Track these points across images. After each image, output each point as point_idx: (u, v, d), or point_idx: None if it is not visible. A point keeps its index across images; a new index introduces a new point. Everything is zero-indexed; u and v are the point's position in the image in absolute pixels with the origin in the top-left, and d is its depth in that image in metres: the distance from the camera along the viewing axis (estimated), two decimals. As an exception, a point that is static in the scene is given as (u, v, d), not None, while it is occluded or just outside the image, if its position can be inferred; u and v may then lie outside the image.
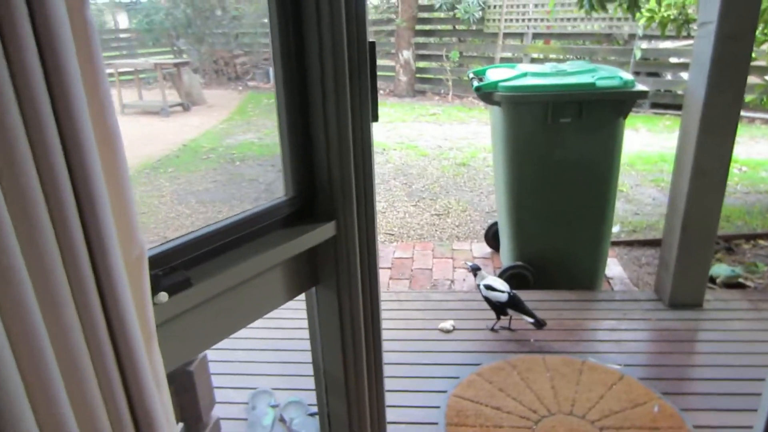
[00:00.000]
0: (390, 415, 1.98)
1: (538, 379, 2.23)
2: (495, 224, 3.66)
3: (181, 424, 1.95)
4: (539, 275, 3.02)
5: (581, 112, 2.72)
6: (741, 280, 3.26)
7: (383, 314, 2.82)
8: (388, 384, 2.26)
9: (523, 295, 2.85)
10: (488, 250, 3.74)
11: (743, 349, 2.37)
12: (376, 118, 1.32)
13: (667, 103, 8.00)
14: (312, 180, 1.36)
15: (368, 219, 1.41)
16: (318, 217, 1.37)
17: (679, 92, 7.97)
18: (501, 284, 2.55)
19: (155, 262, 1.05)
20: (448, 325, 2.63)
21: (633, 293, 2.87)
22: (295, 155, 1.32)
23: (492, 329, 2.60)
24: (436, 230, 4.19)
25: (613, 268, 3.41)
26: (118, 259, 0.79)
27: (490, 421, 2.01)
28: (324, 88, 1.25)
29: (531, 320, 2.45)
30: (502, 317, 2.59)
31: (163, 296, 0.98)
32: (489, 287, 2.55)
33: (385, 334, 2.64)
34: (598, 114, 2.73)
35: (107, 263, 0.77)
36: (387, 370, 2.35)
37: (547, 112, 2.73)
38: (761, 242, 3.74)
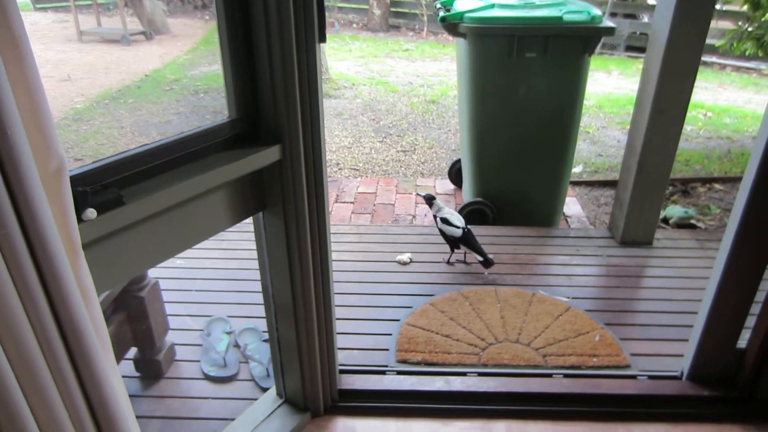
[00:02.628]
0: (342, 341, 2.04)
1: (489, 309, 2.30)
2: (459, 161, 3.66)
3: (134, 349, 1.97)
4: (499, 212, 3.06)
5: (547, 47, 2.68)
6: (693, 221, 3.37)
7: (343, 246, 2.85)
8: (342, 312, 2.32)
9: (481, 231, 2.91)
10: (451, 186, 3.76)
11: (685, 285, 2.47)
12: (323, 39, 1.27)
13: (642, 47, 7.95)
14: (256, 102, 1.32)
15: (315, 143, 1.39)
16: (262, 141, 1.34)
17: (654, 35, 7.91)
18: (457, 219, 2.58)
19: (86, 179, 1.03)
20: (405, 257, 2.67)
21: (588, 231, 2.94)
22: (238, 75, 1.28)
23: (448, 262, 2.66)
24: (401, 167, 4.18)
25: (572, 207, 3.48)
26: (33, 171, 0.76)
27: (439, 347, 2.09)
28: (266, 5, 1.20)
29: (480, 258, 2.50)
30: (456, 250, 2.64)
31: (91, 212, 0.96)
32: (445, 221, 2.59)
33: (343, 266, 2.68)
34: (563, 49, 2.69)
35: (20, 174, 0.74)
36: (343, 300, 2.40)
37: (512, 46, 2.69)
38: (717, 186, 3.85)
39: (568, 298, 2.39)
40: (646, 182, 2.63)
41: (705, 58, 7.64)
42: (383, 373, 1.95)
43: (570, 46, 2.69)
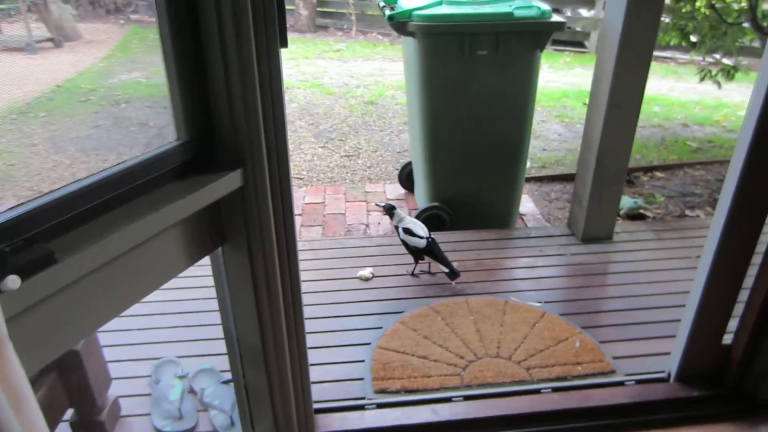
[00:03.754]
0: (312, 374, 1.85)
1: (463, 323, 2.18)
2: (408, 164, 3.53)
3: (71, 410, 1.69)
4: (456, 216, 2.96)
5: (498, 44, 2.59)
6: (642, 211, 3.40)
7: (301, 266, 2.65)
8: (309, 341, 2.12)
9: (440, 237, 2.78)
10: (402, 191, 3.63)
11: (651, 278, 2.46)
12: (284, 43, 1.08)
13: (566, 40, 8.16)
14: (210, 120, 1.11)
15: (281, 164, 1.20)
16: (220, 166, 1.13)
17: (578, 29, 8.14)
18: (420, 229, 2.45)
19: (2, 234, 0.80)
20: (366, 272, 2.50)
21: (547, 229, 2.89)
22: (187, 89, 1.07)
23: (412, 274, 2.52)
24: (347, 172, 4.01)
25: (525, 204, 3.43)
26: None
27: (417, 371, 1.94)
28: (219, 3, 1.00)
29: (446, 270, 2.39)
30: (419, 261, 2.50)
31: (13, 281, 0.73)
32: (408, 231, 2.44)
33: (302, 287, 2.48)
34: (515, 46, 2.61)
35: None
36: (307, 326, 2.21)
37: (463, 44, 2.58)
38: (658, 174, 3.93)
39: (540, 303, 2.31)
40: (605, 177, 2.60)
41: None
42: (362, 408, 1.77)
43: (521, 43, 2.61)
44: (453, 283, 2.44)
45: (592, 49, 7.83)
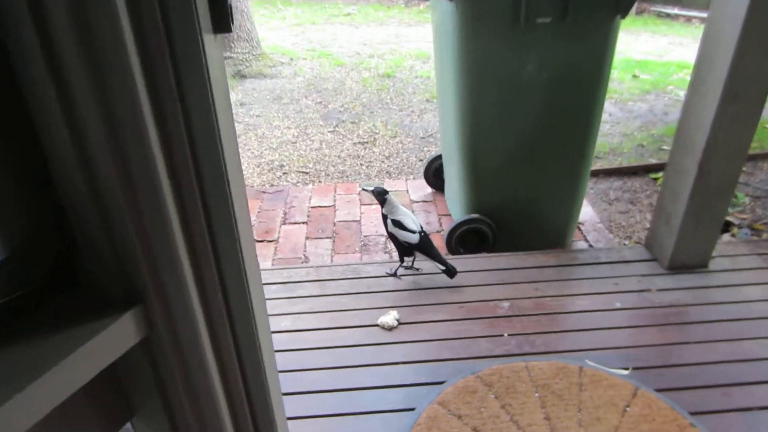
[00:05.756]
0: None
1: (526, 405, 1.57)
2: (438, 158, 2.89)
3: None
4: (500, 229, 2.33)
5: (567, 7, 1.91)
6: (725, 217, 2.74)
7: (298, 305, 2.04)
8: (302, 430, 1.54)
9: (483, 262, 2.18)
10: (429, 190, 3.00)
11: (772, 330, 1.82)
12: (223, 26, 0.44)
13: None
14: (56, 217, 0.49)
15: (230, 276, 0.58)
16: (96, 303, 0.51)
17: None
18: (412, 222, 2.07)
19: None
20: (390, 318, 1.90)
21: (620, 252, 2.25)
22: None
23: (394, 274, 2.13)
24: (361, 164, 3.36)
25: (582, 207, 2.78)
26: None
27: (467, 492, 1.35)
28: None
29: (442, 267, 2.05)
30: (406, 259, 2.14)
31: None
32: (398, 224, 2.05)
33: (301, 341, 1.88)
34: (588, 11, 1.93)
35: None
36: (304, 405, 1.62)
37: (519, 9, 1.91)
38: (738, 166, 3.24)
39: (628, 369, 1.70)
40: (708, 189, 1.94)
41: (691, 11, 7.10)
42: None
43: (597, 6, 1.93)
44: (505, 335, 1.83)
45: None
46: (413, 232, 2.03)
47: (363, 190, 2.12)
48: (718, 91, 1.77)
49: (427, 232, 2.10)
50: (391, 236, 2.08)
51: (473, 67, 2.03)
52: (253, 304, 0.66)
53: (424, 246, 2.03)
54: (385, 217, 2.08)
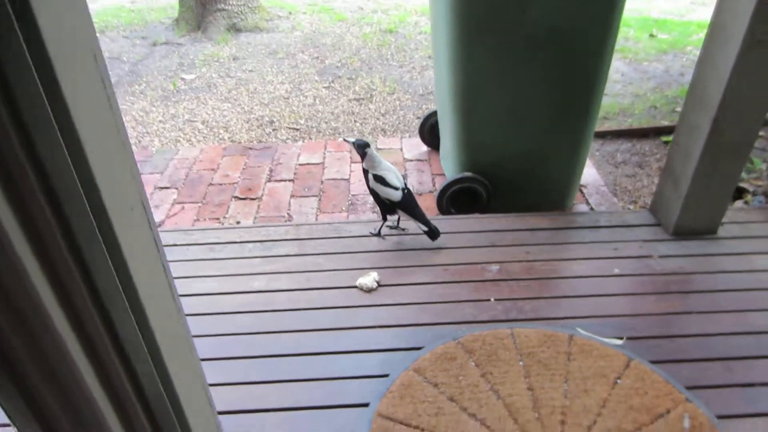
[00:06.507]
0: None
1: (508, 374, 1.46)
2: (433, 114, 2.72)
3: None
4: (496, 190, 2.18)
5: (573, -57, 1.72)
6: (740, 183, 2.58)
7: (275, 264, 1.89)
8: (271, 396, 1.44)
9: (475, 222, 2.04)
10: (424, 148, 2.84)
11: (782, 302, 1.68)
12: None
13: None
14: None
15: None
16: None
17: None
18: (395, 177, 1.92)
19: None
20: (369, 280, 1.77)
21: (622, 216, 2.10)
22: None
23: (378, 234, 2.01)
24: (355, 121, 3.20)
25: (585, 169, 2.61)
26: None
27: (437, 465, 1.24)
28: None
29: (424, 228, 1.92)
30: (389, 218, 2.02)
31: None
32: (380, 179, 1.91)
33: (275, 302, 1.72)
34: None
35: None
36: (273, 368, 1.51)
37: (520, -56, 1.72)
38: (755, 130, 3.04)
39: (622, 339, 1.57)
40: (722, 148, 1.77)
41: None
42: None
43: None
44: (492, 300, 1.71)
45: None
46: (396, 188, 1.89)
47: (344, 140, 1.97)
48: (740, 38, 1.59)
49: (418, 192, 1.97)
50: (372, 192, 1.94)
51: (468, 10, 1.85)
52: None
53: (407, 204, 1.89)
54: (365, 172, 1.94)
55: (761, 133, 3.09)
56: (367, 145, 1.92)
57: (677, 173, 1.91)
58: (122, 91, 3.63)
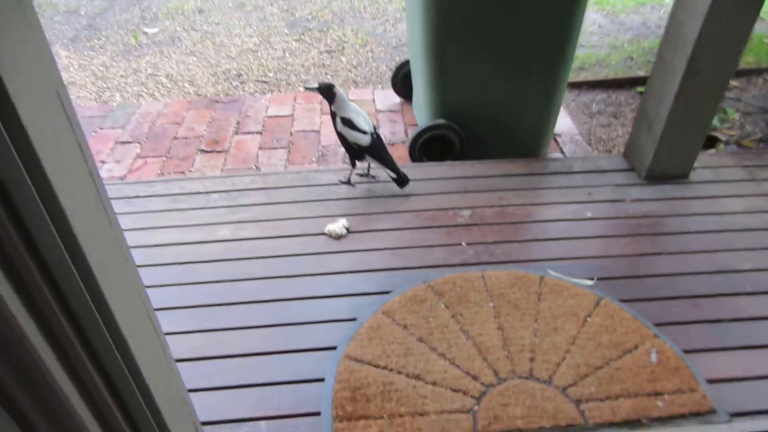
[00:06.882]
0: (240, 403, 1.15)
1: (478, 314, 1.44)
2: (405, 64, 2.64)
3: None
4: (469, 137, 2.13)
5: None
6: (711, 132, 2.57)
7: (240, 213, 1.82)
8: (242, 341, 1.40)
9: (449, 169, 2.00)
10: (397, 99, 2.77)
11: (753, 243, 1.69)
12: None
13: None
14: None
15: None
16: None
17: None
18: (364, 121, 1.85)
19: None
20: (338, 227, 1.73)
21: (596, 161, 2.07)
22: None
23: (347, 182, 1.96)
24: (326, 73, 3.10)
25: (560, 120, 2.58)
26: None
27: (406, 403, 1.22)
28: None
29: (393, 175, 1.88)
30: (359, 165, 1.96)
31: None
32: (347, 122, 1.84)
33: (241, 251, 1.68)
34: None
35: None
36: (242, 315, 1.47)
37: None
38: (731, 83, 3.03)
39: (593, 279, 1.56)
40: (697, 89, 1.74)
41: None
42: (310, 482, 1.07)
43: None
44: (463, 244, 1.68)
45: None
46: (364, 132, 1.82)
47: (306, 89, 1.88)
48: (714, -30, 1.54)
49: (390, 142, 1.91)
50: (340, 137, 1.88)
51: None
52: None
53: (376, 149, 1.84)
54: (333, 115, 1.87)
55: (735, 83, 3.09)
56: (332, 86, 1.84)
57: (651, 116, 1.88)
58: (80, 46, 3.46)
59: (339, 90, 1.84)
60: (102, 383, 0.58)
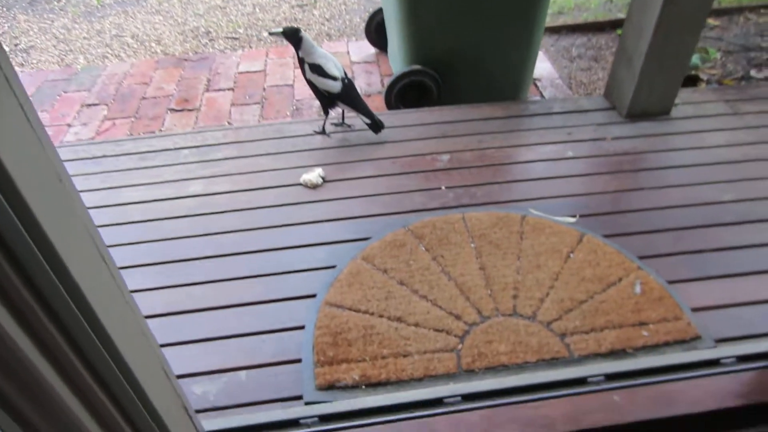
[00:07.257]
0: (220, 354, 1.12)
1: (459, 255, 1.41)
2: (379, 12, 2.55)
3: None
4: (446, 83, 2.07)
5: None
6: (692, 71, 2.53)
7: (213, 168, 1.74)
8: (220, 293, 1.36)
9: (426, 115, 1.95)
10: (372, 50, 2.69)
11: (734, 175, 1.67)
12: None
13: None
14: None
15: None
16: None
17: None
18: (334, 66, 1.77)
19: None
20: (313, 176, 1.68)
21: (576, 101, 2.03)
22: None
23: (321, 132, 1.90)
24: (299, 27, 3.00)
25: (540, 64, 2.53)
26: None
27: (388, 345, 1.20)
28: None
29: (367, 121, 1.81)
30: (333, 113, 1.89)
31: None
32: (317, 69, 1.76)
33: (216, 205, 1.63)
34: None
35: None
36: (219, 268, 1.43)
37: None
38: (709, 21, 2.98)
39: (575, 217, 1.54)
40: (675, 20, 1.69)
41: None
42: (296, 425, 1.05)
43: None
44: (443, 188, 1.64)
45: None
46: (335, 78, 1.75)
47: (270, 33, 1.79)
48: None
49: (366, 93, 1.85)
50: (310, 84, 1.81)
51: None
52: None
53: (348, 95, 1.77)
54: (302, 62, 1.80)
55: (716, 22, 3.04)
56: (298, 30, 1.76)
57: (630, 51, 1.83)
58: (39, 9, 3.30)
59: (305, 34, 1.77)
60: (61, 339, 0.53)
